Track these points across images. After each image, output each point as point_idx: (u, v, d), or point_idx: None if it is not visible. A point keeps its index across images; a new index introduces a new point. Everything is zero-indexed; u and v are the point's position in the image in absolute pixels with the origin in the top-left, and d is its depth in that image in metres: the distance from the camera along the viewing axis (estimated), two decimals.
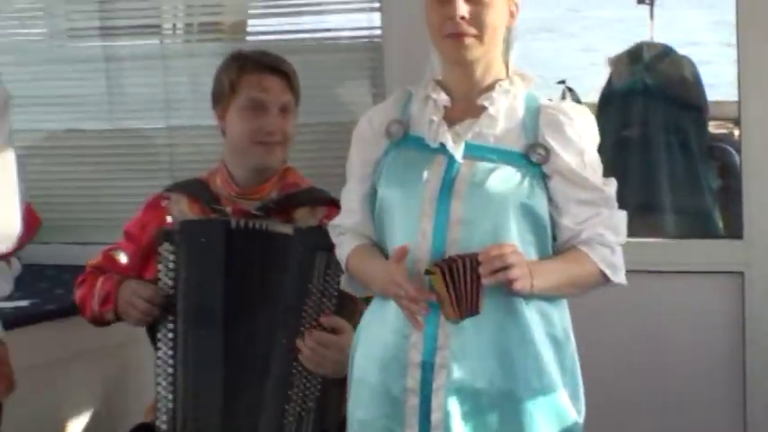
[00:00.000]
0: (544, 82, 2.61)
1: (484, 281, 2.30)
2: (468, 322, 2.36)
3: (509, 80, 2.53)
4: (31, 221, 2.90)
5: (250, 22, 4.31)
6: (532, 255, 2.44)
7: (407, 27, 3.62)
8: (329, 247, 2.72)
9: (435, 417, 2.42)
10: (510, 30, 2.53)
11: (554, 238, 2.50)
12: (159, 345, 2.95)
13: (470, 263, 2.31)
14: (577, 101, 4.58)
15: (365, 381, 2.53)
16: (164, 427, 2.94)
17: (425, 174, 2.47)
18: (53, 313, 3.59)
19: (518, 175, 2.44)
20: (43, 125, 4.28)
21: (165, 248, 2.95)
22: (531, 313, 2.44)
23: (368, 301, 2.64)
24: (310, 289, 2.82)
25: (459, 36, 2.44)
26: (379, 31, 3.89)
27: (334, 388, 2.79)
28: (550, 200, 2.48)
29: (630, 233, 2.54)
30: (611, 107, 4.28)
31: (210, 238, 2.92)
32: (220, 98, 3.08)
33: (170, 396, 2.94)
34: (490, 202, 2.42)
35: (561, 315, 2.51)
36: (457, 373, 2.41)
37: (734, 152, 4.08)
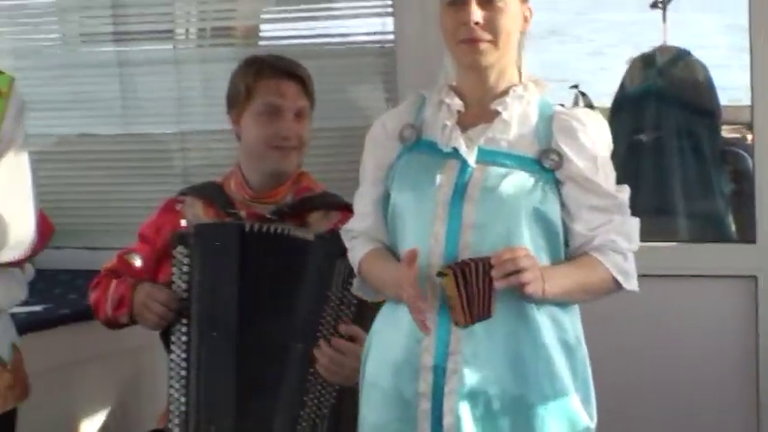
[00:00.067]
0: (552, 85, 2.61)
1: (496, 284, 2.30)
2: (479, 327, 2.36)
3: (523, 86, 2.53)
4: (45, 229, 2.89)
5: (263, 27, 4.32)
6: (544, 260, 2.44)
7: (420, 32, 3.64)
8: None
9: (447, 421, 2.42)
10: (524, 34, 2.54)
11: (566, 244, 2.50)
12: (172, 348, 2.95)
13: (483, 266, 2.31)
14: (590, 105, 4.59)
15: (377, 385, 2.54)
16: (176, 430, 2.94)
17: (438, 178, 2.47)
18: (66, 318, 3.60)
19: (531, 181, 2.44)
20: (56, 129, 4.30)
21: (180, 252, 2.95)
22: (543, 318, 2.44)
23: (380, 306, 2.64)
24: (329, 296, 2.81)
25: (473, 42, 2.44)
26: (391, 36, 3.90)
27: (350, 395, 2.78)
28: (563, 205, 2.48)
29: (643, 237, 2.54)
30: (624, 111, 4.27)
31: (225, 241, 2.92)
32: (235, 102, 3.08)
33: (183, 399, 2.94)
34: (503, 206, 2.42)
35: (573, 321, 2.51)
36: (469, 377, 2.41)
37: (747, 156, 4.08)
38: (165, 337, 3.00)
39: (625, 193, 2.52)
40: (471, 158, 2.47)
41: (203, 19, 4.30)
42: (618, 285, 2.50)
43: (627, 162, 4.06)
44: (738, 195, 4.14)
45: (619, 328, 3.47)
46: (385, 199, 2.60)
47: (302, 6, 4.12)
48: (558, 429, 2.44)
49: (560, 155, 2.46)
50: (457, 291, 2.30)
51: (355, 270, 2.66)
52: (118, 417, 3.80)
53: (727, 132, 4.48)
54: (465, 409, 2.41)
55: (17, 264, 2.86)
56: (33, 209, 2.78)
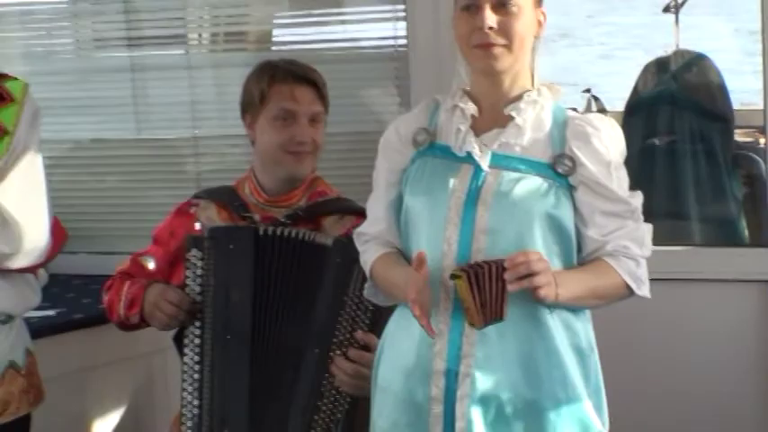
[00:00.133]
0: (564, 89, 2.60)
1: (509, 287, 2.30)
2: (492, 331, 2.36)
3: (537, 91, 2.53)
4: (59, 235, 2.90)
5: (275, 32, 4.32)
6: (557, 265, 2.44)
7: (433, 36, 3.64)
8: None
9: (459, 425, 2.41)
10: (537, 39, 2.54)
11: (579, 249, 2.50)
12: (186, 351, 2.95)
13: (496, 269, 2.31)
14: (602, 110, 4.59)
15: (389, 389, 2.54)
16: None
17: (452, 182, 2.47)
18: (80, 323, 3.61)
19: (544, 186, 2.44)
20: (69, 134, 4.31)
21: (193, 255, 2.95)
22: (556, 323, 2.44)
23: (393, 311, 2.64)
24: (346, 301, 2.80)
25: (487, 46, 2.44)
26: (404, 41, 3.90)
27: (363, 400, 2.77)
28: (576, 211, 2.48)
29: (655, 241, 2.54)
30: (637, 115, 4.27)
31: (239, 244, 2.92)
32: (250, 107, 3.08)
33: (196, 402, 2.94)
34: (516, 211, 2.42)
35: (585, 327, 2.51)
36: (481, 381, 2.41)
37: (759, 160, 4.07)
38: (179, 341, 3.01)
39: (638, 198, 2.52)
40: (485, 163, 2.47)
41: (216, 24, 4.32)
42: (630, 291, 2.50)
43: (640, 166, 4.05)
44: (751, 199, 4.13)
45: (631, 331, 3.47)
46: (398, 203, 2.60)
47: (315, 11, 4.13)
48: None
49: (574, 160, 2.46)
50: (470, 294, 2.30)
51: (367, 274, 2.66)
52: (131, 421, 3.80)
53: (739, 136, 4.47)
54: (477, 414, 2.40)
55: (31, 269, 2.87)
56: (47, 215, 2.78)
